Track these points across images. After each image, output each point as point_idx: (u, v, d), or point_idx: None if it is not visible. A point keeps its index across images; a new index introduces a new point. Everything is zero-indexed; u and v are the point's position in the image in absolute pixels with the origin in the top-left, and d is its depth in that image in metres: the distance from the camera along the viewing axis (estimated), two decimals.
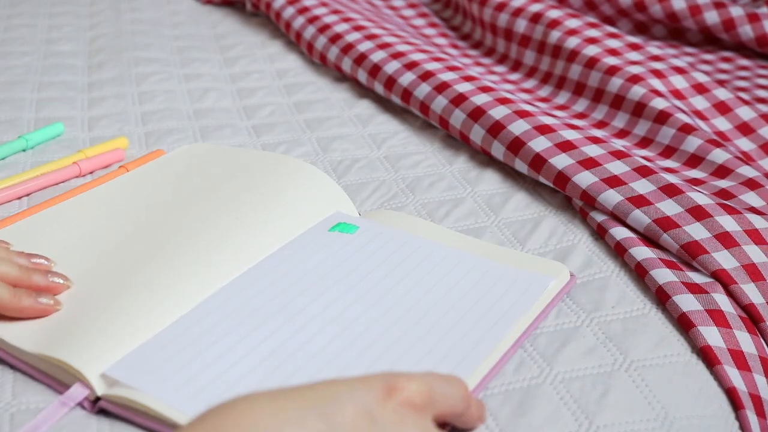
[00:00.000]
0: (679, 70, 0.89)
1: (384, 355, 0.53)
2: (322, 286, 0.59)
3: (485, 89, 0.83)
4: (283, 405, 0.40)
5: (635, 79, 0.85)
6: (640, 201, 0.69)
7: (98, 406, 0.51)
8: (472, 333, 0.55)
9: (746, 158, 0.81)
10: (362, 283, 0.60)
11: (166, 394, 0.49)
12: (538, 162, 0.75)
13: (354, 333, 0.55)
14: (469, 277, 0.61)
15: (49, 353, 0.52)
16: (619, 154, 0.74)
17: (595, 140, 0.76)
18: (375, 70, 0.92)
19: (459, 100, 0.83)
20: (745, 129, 0.85)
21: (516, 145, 0.77)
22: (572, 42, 0.93)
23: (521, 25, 0.99)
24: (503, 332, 0.56)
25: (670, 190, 0.69)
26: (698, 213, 0.67)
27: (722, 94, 0.88)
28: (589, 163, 0.73)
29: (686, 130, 0.79)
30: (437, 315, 0.57)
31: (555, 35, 0.95)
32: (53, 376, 0.53)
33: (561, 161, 0.74)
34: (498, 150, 0.78)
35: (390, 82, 0.90)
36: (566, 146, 0.75)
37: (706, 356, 0.57)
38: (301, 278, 0.60)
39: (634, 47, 0.92)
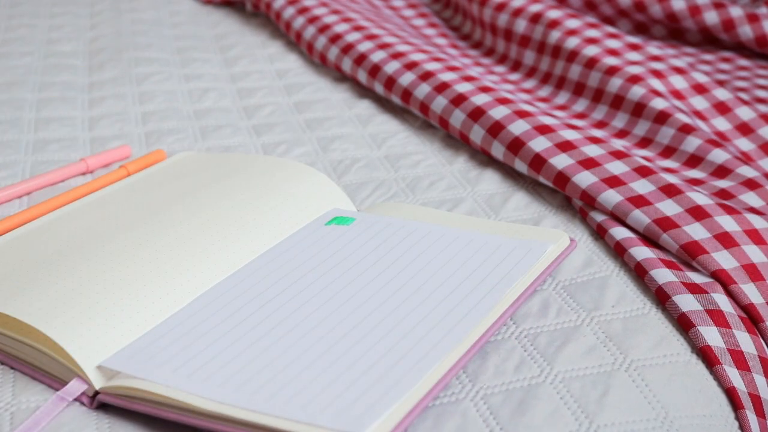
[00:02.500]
0: (679, 71, 0.89)
1: (377, 329, 0.54)
2: (320, 274, 0.60)
3: (485, 89, 0.83)
4: None
5: (635, 79, 0.85)
6: (639, 201, 0.69)
7: (97, 401, 0.51)
8: (470, 299, 0.56)
9: (746, 158, 0.81)
10: (359, 268, 0.60)
11: (167, 380, 0.50)
12: (537, 162, 0.75)
13: (353, 315, 0.55)
14: (467, 251, 0.62)
15: (46, 331, 0.52)
16: (618, 154, 0.74)
17: (595, 140, 0.76)
18: (375, 70, 0.92)
19: (459, 100, 0.83)
20: (744, 129, 0.85)
21: (516, 145, 0.77)
22: (572, 42, 0.93)
23: (521, 26, 0.99)
24: (501, 294, 0.57)
25: (670, 190, 0.69)
26: (698, 213, 0.67)
27: (722, 94, 0.88)
28: (588, 163, 0.73)
29: (686, 130, 0.79)
30: (434, 288, 0.58)
31: (555, 35, 0.95)
32: (52, 374, 0.53)
33: (561, 161, 0.74)
34: (498, 150, 0.78)
35: (390, 82, 0.90)
36: (566, 146, 0.75)
37: (706, 356, 0.57)
38: (298, 268, 0.61)
39: (634, 47, 0.92)
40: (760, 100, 0.91)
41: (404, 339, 0.53)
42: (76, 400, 0.51)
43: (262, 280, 0.60)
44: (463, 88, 0.84)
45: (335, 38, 0.99)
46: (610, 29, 0.95)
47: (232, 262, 0.62)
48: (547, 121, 0.78)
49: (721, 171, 0.75)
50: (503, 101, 0.81)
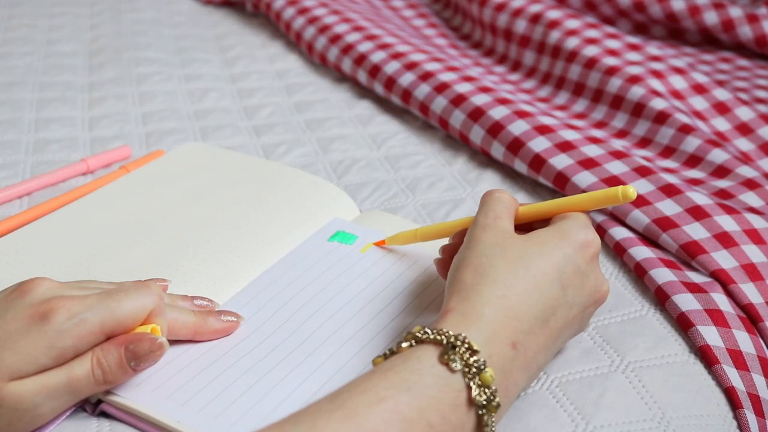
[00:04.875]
0: (679, 71, 0.89)
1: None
2: (322, 300, 0.59)
3: (485, 89, 0.83)
4: None
5: (635, 79, 0.85)
6: (639, 201, 0.69)
7: (99, 409, 0.51)
8: None
9: (745, 158, 0.81)
10: (362, 295, 0.60)
11: (166, 410, 0.50)
12: (537, 162, 0.75)
13: (355, 344, 0.55)
14: None
15: None
16: (618, 155, 0.74)
17: (595, 140, 0.76)
18: (375, 71, 0.92)
19: (459, 100, 0.83)
20: (744, 129, 0.85)
21: (516, 146, 0.77)
22: (572, 42, 0.93)
23: (521, 26, 0.99)
24: None
25: (670, 190, 0.69)
26: (697, 213, 0.67)
27: (721, 94, 0.88)
28: (588, 164, 0.73)
29: (685, 130, 0.79)
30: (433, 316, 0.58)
31: (554, 36, 0.95)
32: None
33: (560, 161, 0.74)
34: (498, 150, 0.78)
35: (390, 83, 0.90)
36: (566, 146, 0.75)
37: (705, 356, 0.57)
38: (300, 292, 0.60)
39: (634, 48, 0.92)
40: (760, 101, 0.91)
41: None
42: (79, 406, 0.51)
43: (265, 306, 0.59)
44: (462, 88, 0.84)
45: (335, 39, 0.99)
46: (610, 29, 0.95)
47: (236, 280, 0.61)
48: (546, 121, 0.78)
49: (721, 171, 0.75)
50: (503, 101, 0.81)
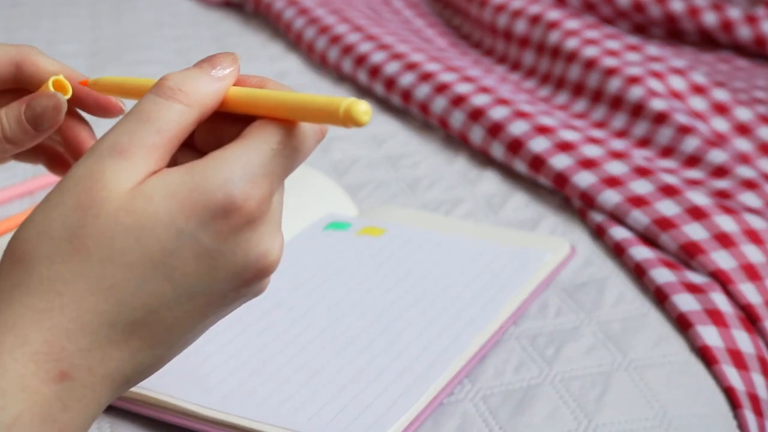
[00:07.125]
0: (678, 71, 0.89)
1: (379, 339, 0.54)
2: (319, 281, 0.59)
3: (485, 90, 0.84)
4: None
5: (634, 79, 0.85)
6: (639, 201, 0.69)
7: None
8: (469, 309, 0.56)
9: (744, 159, 0.81)
10: (359, 277, 0.60)
11: (166, 388, 0.50)
12: (537, 162, 0.75)
13: (354, 326, 0.55)
14: (467, 260, 0.61)
15: None
16: (618, 155, 0.74)
17: (594, 141, 0.77)
18: (375, 71, 0.92)
19: (459, 100, 0.83)
20: (743, 130, 0.85)
21: (515, 146, 0.77)
22: (571, 43, 0.93)
23: (521, 26, 1.00)
24: (499, 306, 0.56)
25: (669, 191, 0.70)
26: (697, 213, 0.67)
27: (720, 95, 0.88)
28: (588, 164, 0.73)
29: (685, 130, 0.79)
30: (433, 298, 0.57)
31: (554, 36, 0.95)
32: None
33: (560, 161, 0.74)
34: (498, 150, 0.79)
35: (390, 83, 0.90)
36: (565, 146, 0.75)
37: (705, 356, 0.58)
38: (298, 274, 0.60)
39: (633, 48, 0.92)
40: (759, 101, 0.91)
41: (406, 351, 0.52)
42: None
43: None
44: (462, 88, 0.84)
45: (335, 39, 0.99)
46: (610, 30, 0.95)
47: None
48: (546, 121, 0.78)
49: (720, 171, 0.75)
50: (503, 101, 0.81)
